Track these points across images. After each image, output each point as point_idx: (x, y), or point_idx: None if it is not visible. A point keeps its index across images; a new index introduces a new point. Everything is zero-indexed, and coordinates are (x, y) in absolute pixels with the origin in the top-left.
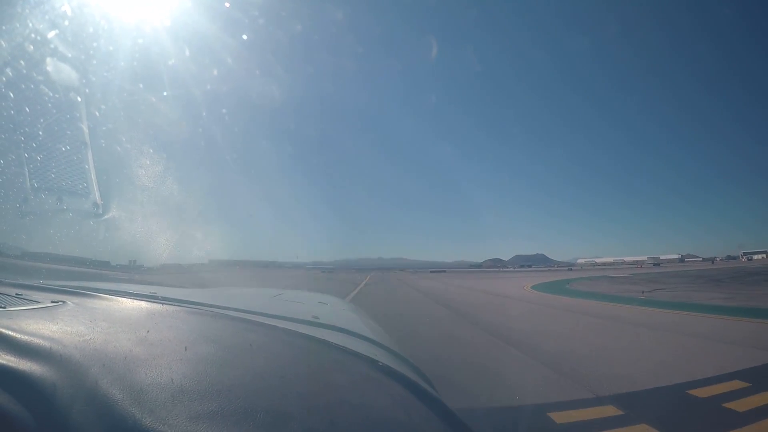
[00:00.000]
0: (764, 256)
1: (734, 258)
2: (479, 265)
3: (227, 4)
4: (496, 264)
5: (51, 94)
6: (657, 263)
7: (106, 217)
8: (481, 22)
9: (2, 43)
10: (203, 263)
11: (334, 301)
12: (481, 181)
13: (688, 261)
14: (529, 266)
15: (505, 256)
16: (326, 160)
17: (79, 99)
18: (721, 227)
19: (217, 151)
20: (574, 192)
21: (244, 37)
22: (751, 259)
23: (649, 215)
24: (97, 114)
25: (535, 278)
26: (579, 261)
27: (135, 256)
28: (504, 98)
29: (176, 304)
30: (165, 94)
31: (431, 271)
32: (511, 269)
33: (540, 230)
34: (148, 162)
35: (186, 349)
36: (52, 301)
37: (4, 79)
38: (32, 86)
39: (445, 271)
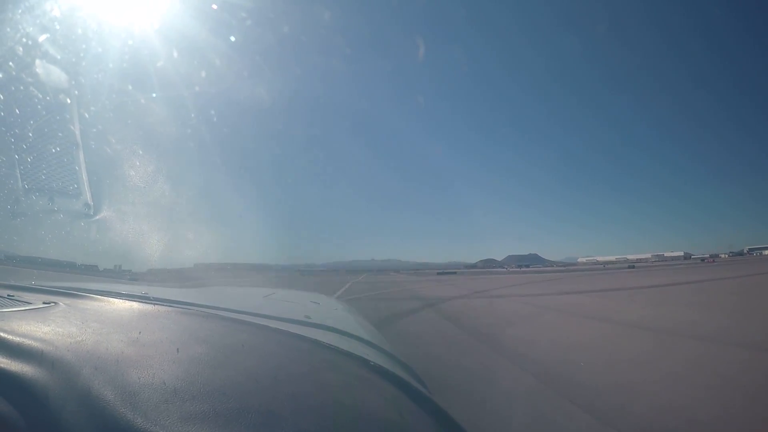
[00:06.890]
0: None
1: (740, 254)
2: (473, 266)
3: (215, 6)
4: (489, 264)
5: (41, 96)
6: (687, 257)
7: (97, 217)
8: (469, 20)
9: None
10: (190, 267)
11: (327, 301)
12: (473, 181)
13: (692, 258)
14: (527, 266)
15: (498, 256)
16: (316, 162)
17: (69, 100)
18: (712, 225)
19: (205, 152)
20: (566, 190)
21: (232, 38)
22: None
23: (642, 213)
24: (87, 115)
25: (669, 283)
26: (580, 260)
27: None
28: (495, 96)
29: (168, 304)
30: (154, 95)
31: (438, 273)
32: (505, 270)
33: (532, 230)
34: (138, 162)
35: (178, 351)
36: (44, 303)
37: None
38: (22, 88)
39: (455, 273)
